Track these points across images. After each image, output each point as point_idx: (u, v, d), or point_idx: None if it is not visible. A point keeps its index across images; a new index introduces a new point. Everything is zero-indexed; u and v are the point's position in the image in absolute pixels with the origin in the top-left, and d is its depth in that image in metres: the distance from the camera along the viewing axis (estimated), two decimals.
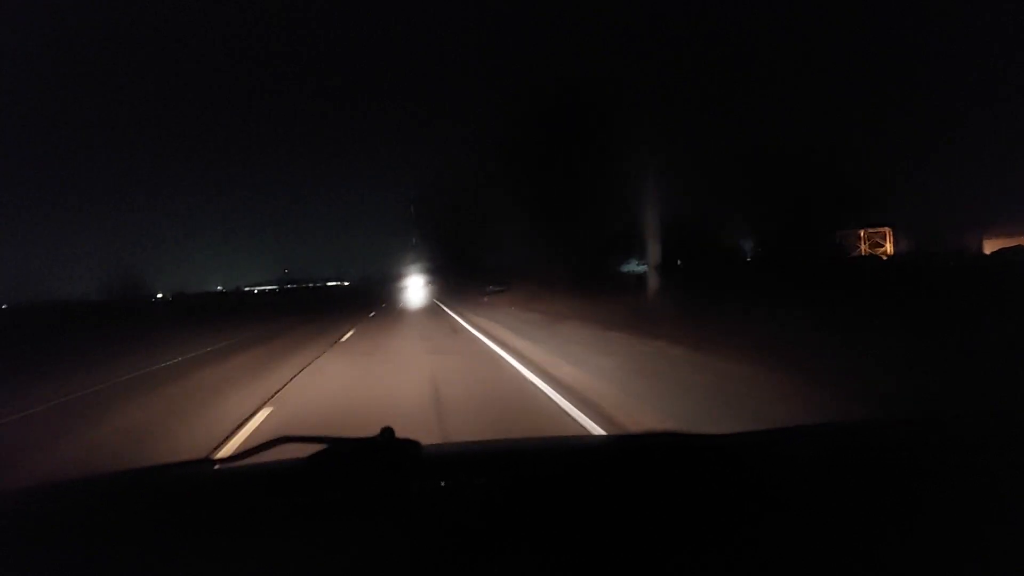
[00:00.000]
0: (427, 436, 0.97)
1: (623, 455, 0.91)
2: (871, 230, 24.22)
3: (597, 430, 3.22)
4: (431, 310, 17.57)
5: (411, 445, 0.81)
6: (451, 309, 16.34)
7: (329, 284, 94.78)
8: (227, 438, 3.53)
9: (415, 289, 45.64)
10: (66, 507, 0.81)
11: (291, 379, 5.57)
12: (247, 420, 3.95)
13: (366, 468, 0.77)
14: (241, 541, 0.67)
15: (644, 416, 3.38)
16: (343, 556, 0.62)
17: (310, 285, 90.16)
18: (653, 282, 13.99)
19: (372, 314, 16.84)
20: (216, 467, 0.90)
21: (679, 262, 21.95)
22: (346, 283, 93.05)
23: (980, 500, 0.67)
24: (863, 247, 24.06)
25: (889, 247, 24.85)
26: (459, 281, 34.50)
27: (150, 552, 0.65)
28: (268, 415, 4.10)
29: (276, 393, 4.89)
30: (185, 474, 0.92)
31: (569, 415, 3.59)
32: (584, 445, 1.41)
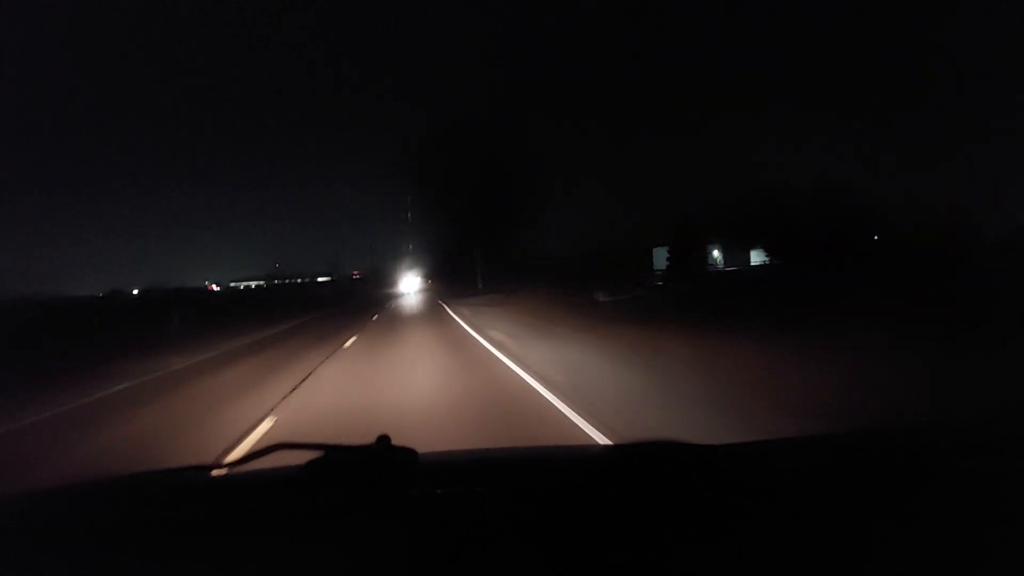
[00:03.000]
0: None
1: (621, 464, 0.90)
2: None
3: None
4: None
5: (407, 453, 0.81)
6: None
7: (320, 280, 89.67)
8: None
9: (413, 292, 36.93)
10: (68, 510, 0.83)
11: None
12: None
13: (362, 475, 0.78)
14: (238, 546, 0.67)
15: None
16: (338, 562, 0.63)
17: (298, 281, 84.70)
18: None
19: (349, 342, 9.68)
20: (214, 472, 0.92)
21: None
22: (333, 278, 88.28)
23: (979, 505, 0.66)
24: None
25: None
26: (491, 282, 21.72)
27: (149, 555, 0.66)
28: None
29: None
30: (184, 479, 0.95)
31: None
32: (583, 454, 1.39)
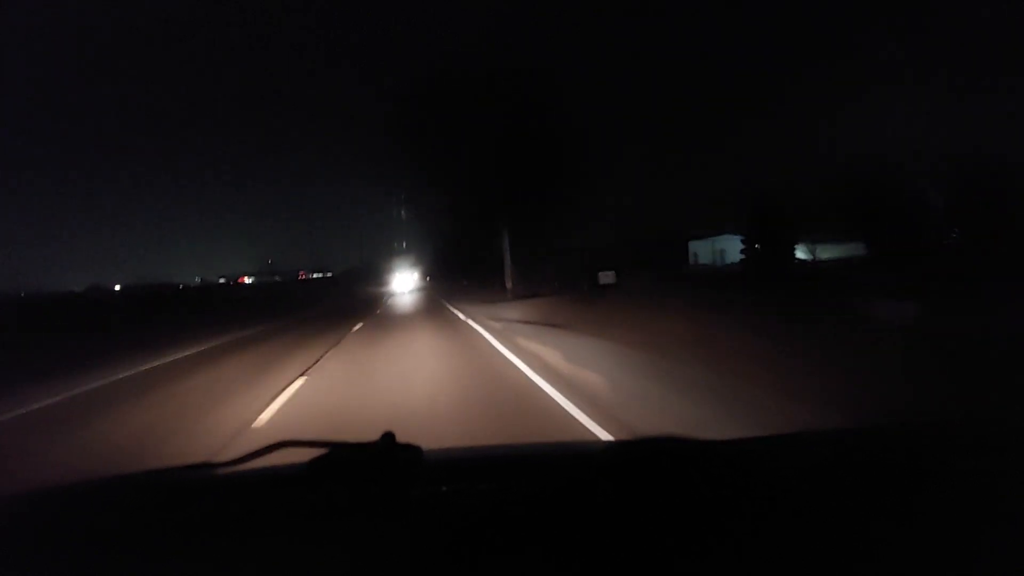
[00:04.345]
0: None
1: (624, 460, 0.89)
2: None
3: None
4: None
5: (412, 450, 0.81)
6: None
7: (314, 276, 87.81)
8: None
9: (408, 292, 30.52)
10: (68, 510, 0.83)
11: None
12: None
13: (366, 473, 0.77)
14: (241, 545, 0.68)
15: None
16: (341, 560, 0.63)
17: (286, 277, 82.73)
18: None
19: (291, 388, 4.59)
20: (216, 471, 0.90)
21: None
22: (330, 274, 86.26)
23: (979, 505, 0.66)
24: None
25: None
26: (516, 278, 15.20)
27: (150, 554, 0.67)
28: None
29: None
30: (185, 478, 0.94)
31: None
32: (586, 450, 1.38)
